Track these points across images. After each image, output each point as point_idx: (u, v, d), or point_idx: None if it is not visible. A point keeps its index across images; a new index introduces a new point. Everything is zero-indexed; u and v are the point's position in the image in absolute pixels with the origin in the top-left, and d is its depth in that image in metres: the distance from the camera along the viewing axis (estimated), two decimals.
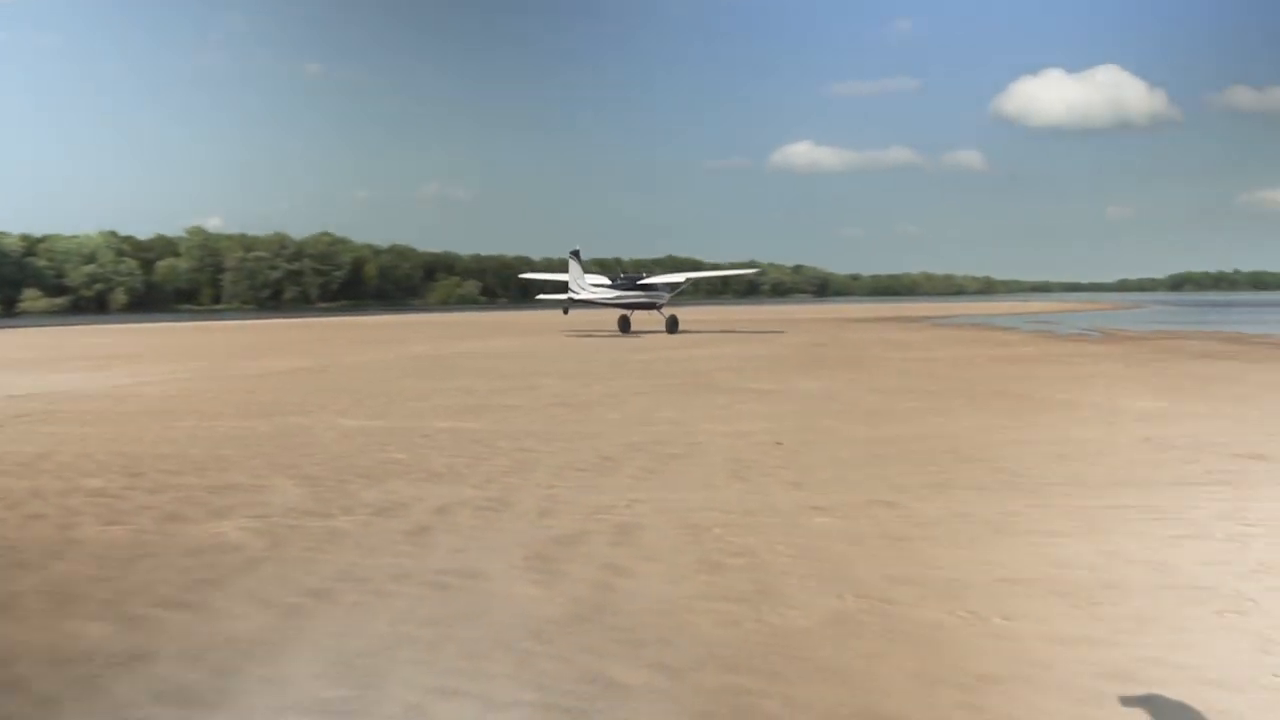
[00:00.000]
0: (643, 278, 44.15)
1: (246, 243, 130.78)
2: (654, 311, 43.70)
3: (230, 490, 9.95)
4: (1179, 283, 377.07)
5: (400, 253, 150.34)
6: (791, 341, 39.15)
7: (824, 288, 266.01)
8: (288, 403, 17.62)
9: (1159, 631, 5.72)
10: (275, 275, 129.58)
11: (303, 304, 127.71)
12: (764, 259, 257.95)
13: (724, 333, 46.00)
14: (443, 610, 6.18)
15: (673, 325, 42.60)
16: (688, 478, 10.43)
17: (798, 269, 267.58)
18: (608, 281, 43.60)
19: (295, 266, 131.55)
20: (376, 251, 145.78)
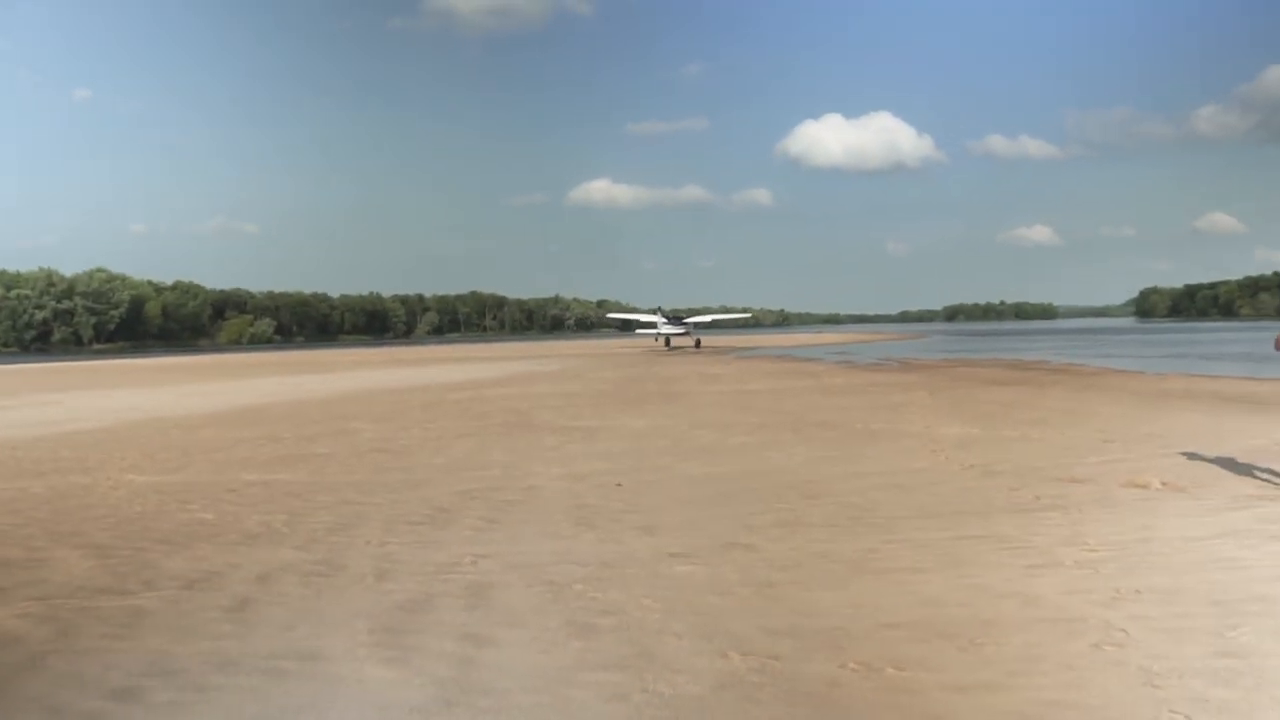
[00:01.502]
0: (683, 319, 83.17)
1: (7, 279, 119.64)
2: (688, 337, 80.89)
3: (0, 568, 8.53)
4: (953, 313, 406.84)
5: (185, 290, 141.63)
6: (607, 377, 39.17)
7: (627, 322, 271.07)
8: (63, 458, 15.73)
9: (1048, 670, 5.61)
10: (42, 315, 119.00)
11: (75, 345, 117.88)
12: (567, 293, 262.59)
13: (532, 360, 45.56)
14: (281, 705, 5.32)
15: (698, 345, 77.84)
16: (532, 527, 9.83)
17: (601, 303, 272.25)
18: (664, 320, 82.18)
19: (65, 305, 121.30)
20: (158, 289, 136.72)
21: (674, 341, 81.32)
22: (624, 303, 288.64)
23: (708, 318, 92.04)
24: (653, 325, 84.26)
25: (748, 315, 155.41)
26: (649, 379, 37.79)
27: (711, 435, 17.63)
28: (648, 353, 68.67)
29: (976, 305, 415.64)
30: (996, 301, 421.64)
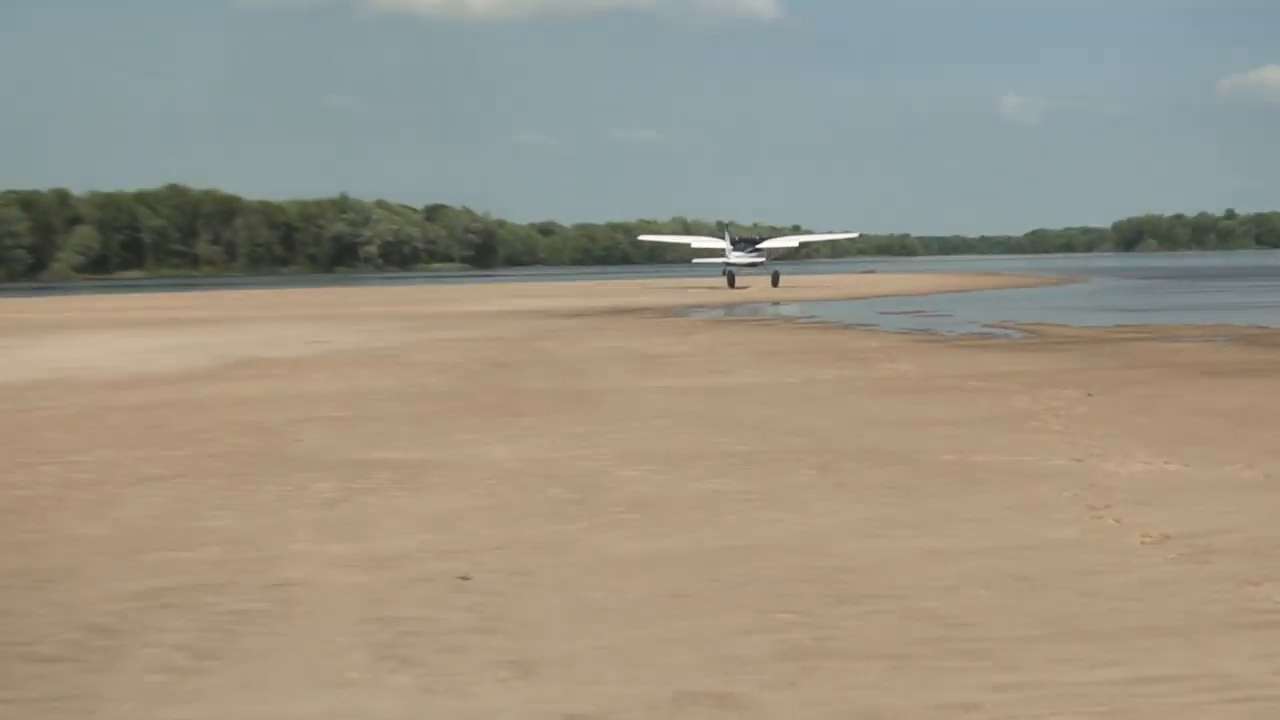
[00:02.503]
0: (758, 244, 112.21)
1: None
2: (761, 270, 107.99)
3: None
4: (1131, 235, 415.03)
5: None
6: (449, 360, 39.02)
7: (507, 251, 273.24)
8: None
9: None
10: None
11: None
12: (363, 192, 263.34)
13: (292, 322, 45.23)
14: None
15: (776, 281, 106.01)
16: (285, 668, 9.72)
17: (433, 213, 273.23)
18: (731, 246, 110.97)
19: None
20: None
21: (739, 279, 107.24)
22: (480, 212, 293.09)
23: (792, 240, 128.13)
24: (713, 253, 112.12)
25: (852, 237, 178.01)
26: (534, 362, 37.69)
27: (656, 476, 17.65)
28: (543, 316, 68.64)
29: (1179, 221, 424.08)
30: (1220, 213, 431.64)
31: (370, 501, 16.34)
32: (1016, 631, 10.22)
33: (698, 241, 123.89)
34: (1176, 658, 9.56)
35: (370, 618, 10.97)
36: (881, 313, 69.00)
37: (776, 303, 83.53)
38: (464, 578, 12.25)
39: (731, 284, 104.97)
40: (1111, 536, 13.51)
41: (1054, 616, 10.63)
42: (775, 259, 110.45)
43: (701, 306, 77.63)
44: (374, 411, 25.99)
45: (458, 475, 18.15)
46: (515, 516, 15.20)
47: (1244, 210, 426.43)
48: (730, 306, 78.18)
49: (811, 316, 66.25)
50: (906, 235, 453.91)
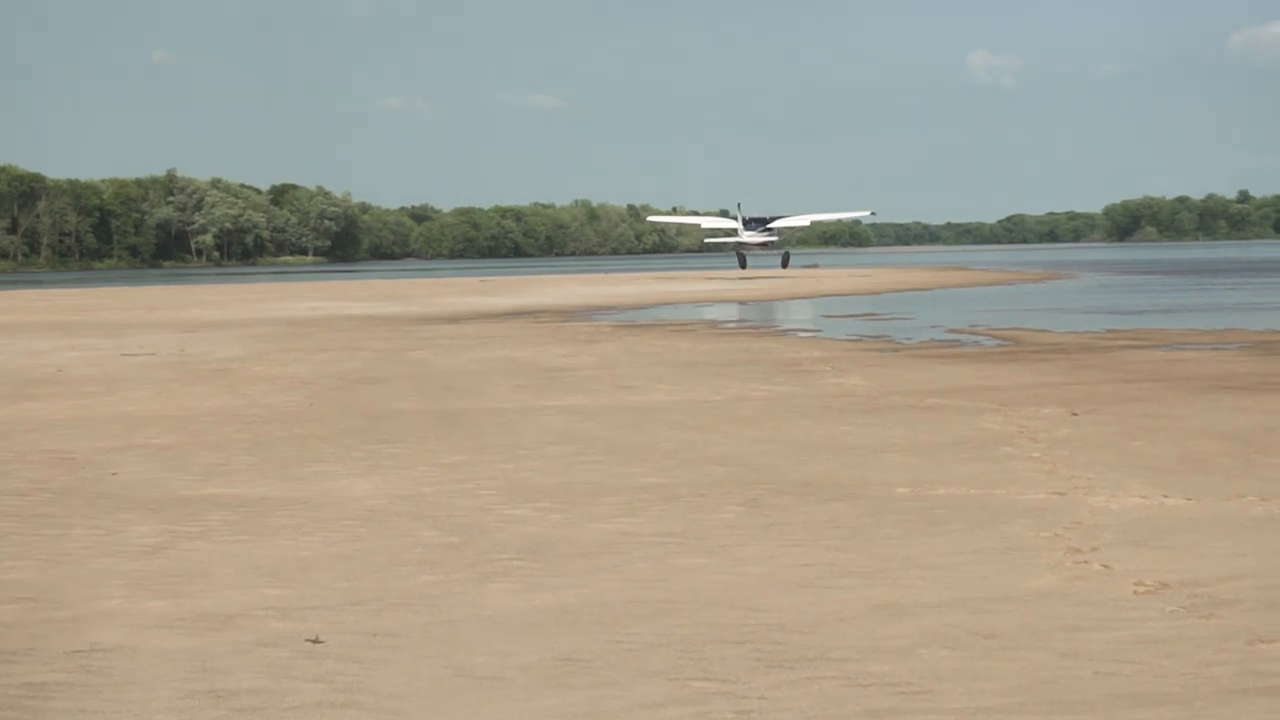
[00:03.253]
0: (769, 224, 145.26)
1: None
2: (772, 249, 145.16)
3: None
4: (1127, 221, 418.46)
5: None
6: (300, 372, 38.79)
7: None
8: None
9: None
10: None
11: None
12: (197, 170, 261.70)
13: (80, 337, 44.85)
14: None
15: (785, 263, 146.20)
16: None
17: (281, 195, 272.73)
18: (744, 224, 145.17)
19: None
20: None
21: (750, 259, 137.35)
22: (339, 194, 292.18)
23: (804, 219, 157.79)
24: (724, 233, 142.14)
25: (866, 215, 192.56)
26: (403, 377, 37.52)
27: (550, 515, 17.72)
28: (417, 321, 68.48)
29: (1183, 204, 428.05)
30: (1232, 195, 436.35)
31: (200, 548, 16.18)
32: (984, 701, 10.23)
33: (708, 222, 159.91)
34: None
35: (199, 690, 10.86)
36: (827, 315, 69.24)
37: (702, 303, 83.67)
38: (314, 640, 12.19)
39: (743, 265, 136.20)
40: (1099, 585, 13.55)
41: (1029, 682, 10.64)
42: (785, 240, 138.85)
43: (609, 308, 77.55)
44: (207, 438, 25.82)
45: (309, 515, 18.03)
46: (378, 565, 15.10)
47: (1260, 192, 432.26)
48: (644, 308, 78.16)
49: (742, 320, 66.41)
50: (858, 221, 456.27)
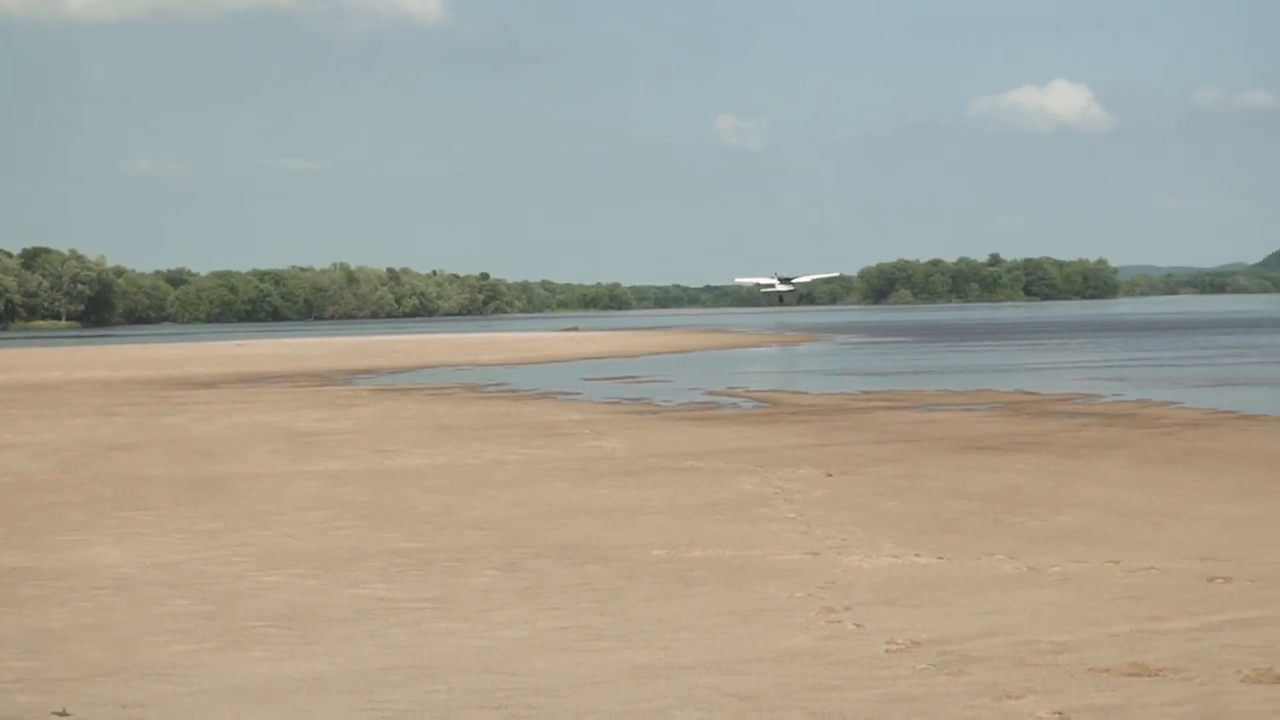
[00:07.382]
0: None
1: None
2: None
3: None
4: (883, 284, 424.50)
5: None
6: (48, 439, 38.13)
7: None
8: None
9: None
10: None
11: None
12: None
13: None
14: None
15: None
16: None
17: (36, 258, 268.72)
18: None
19: None
20: None
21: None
22: (93, 258, 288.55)
23: (806, 278, 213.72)
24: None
25: (838, 275, 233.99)
26: (156, 442, 36.99)
27: (306, 581, 17.62)
28: (171, 386, 67.51)
29: (937, 268, 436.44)
30: (984, 258, 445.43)
31: None
32: None
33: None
34: None
35: None
36: (586, 379, 69.29)
37: (459, 366, 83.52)
38: (61, 714, 11.91)
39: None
40: (852, 644, 13.68)
41: None
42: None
43: (369, 371, 77.14)
44: None
45: (56, 585, 17.69)
46: (128, 635, 14.85)
47: (1011, 255, 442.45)
48: (403, 371, 77.85)
49: (501, 384, 66.33)
50: (617, 285, 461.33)
